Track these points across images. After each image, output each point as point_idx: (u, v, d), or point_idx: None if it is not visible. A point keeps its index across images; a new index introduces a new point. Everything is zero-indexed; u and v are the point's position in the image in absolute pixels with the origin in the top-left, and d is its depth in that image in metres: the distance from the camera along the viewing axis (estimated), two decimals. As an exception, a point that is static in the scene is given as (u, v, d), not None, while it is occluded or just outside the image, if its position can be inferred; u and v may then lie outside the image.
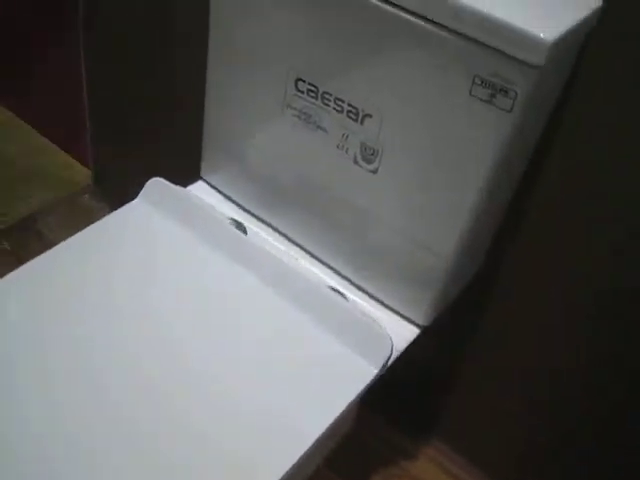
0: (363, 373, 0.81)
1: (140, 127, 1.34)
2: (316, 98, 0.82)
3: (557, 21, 0.68)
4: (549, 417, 1.05)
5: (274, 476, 0.69)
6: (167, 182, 0.94)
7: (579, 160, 0.84)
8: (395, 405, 1.27)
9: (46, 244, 1.41)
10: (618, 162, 0.81)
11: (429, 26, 0.69)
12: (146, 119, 1.31)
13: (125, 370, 0.76)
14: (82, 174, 1.58)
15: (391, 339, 0.82)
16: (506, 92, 0.68)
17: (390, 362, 0.83)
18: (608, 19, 0.74)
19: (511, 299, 1.00)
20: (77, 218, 1.51)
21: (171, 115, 1.23)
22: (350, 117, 0.80)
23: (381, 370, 0.82)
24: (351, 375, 0.81)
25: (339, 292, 0.91)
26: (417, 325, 0.91)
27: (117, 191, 1.18)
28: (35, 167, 1.61)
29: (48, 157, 1.64)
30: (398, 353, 0.87)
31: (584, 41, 0.76)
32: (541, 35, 0.64)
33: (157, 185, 0.95)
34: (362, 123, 0.80)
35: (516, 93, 0.68)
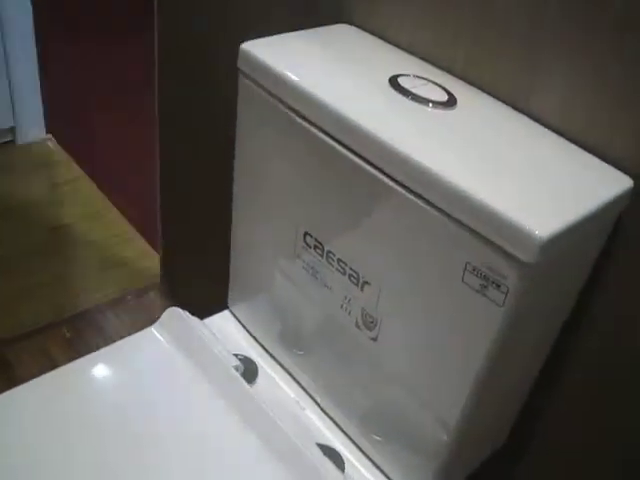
0: None
1: (207, 236, 1.35)
2: (322, 256, 0.79)
3: (565, 210, 0.62)
4: None
5: None
6: (184, 313, 0.93)
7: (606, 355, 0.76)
8: None
9: (105, 338, 1.46)
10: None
11: (424, 205, 0.65)
12: (212, 230, 1.32)
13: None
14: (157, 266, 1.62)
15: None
16: (498, 285, 0.62)
17: None
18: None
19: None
20: (140, 315, 1.53)
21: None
22: (352, 281, 0.76)
23: None
24: None
25: (336, 453, 0.86)
26: (417, 501, 0.83)
27: (182, 292, 1.17)
28: (114, 256, 1.67)
29: (130, 244, 1.70)
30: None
31: (615, 220, 0.69)
32: (533, 231, 0.58)
33: (174, 315, 0.93)
34: (362, 289, 0.76)
35: (508, 288, 0.61)
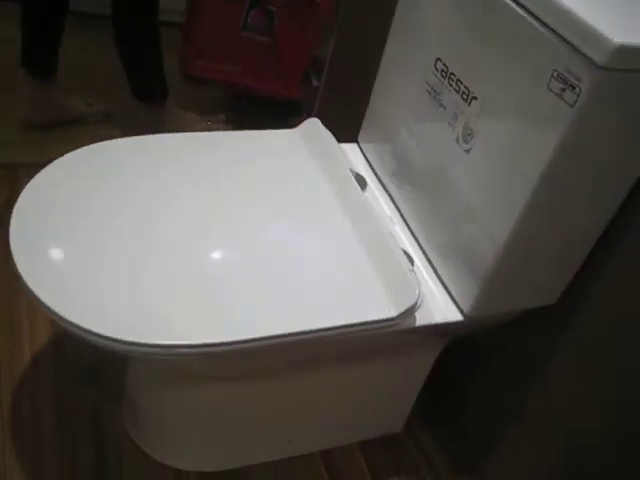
0: (380, 310, 0.90)
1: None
2: (445, 77, 0.95)
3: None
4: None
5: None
6: (321, 125, 1.11)
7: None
8: (454, 429, 1.29)
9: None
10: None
11: (526, 15, 0.79)
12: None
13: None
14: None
15: (419, 293, 0.90)
16: (573, 88, 0.76)
17: (415, 319, 0.92)
18: None
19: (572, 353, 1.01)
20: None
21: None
22: (463, 98, 0.92)
23: (399, 317, 0.89)
24: (370, 307, 0.90)
25: (409, 255, 1.01)
26: (461, 312, 0.97)
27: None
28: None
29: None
30: (432, 322, 0.95)
31: None
32: (609, 35, 0.71)
33: (313, 124, 1.12)
34: (470, 104, 0.91)
35: (580, 89, 0.75)
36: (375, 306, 0.90)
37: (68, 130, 1.82)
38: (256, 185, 1.03)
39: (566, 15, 0.75)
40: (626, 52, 0.72)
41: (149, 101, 1.74)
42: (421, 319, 0.94)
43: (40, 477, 1.10)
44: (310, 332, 0.85)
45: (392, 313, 0.89)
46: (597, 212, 0.91)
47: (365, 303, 0.90)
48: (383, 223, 0.98)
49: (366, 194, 1.10)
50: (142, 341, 0.78)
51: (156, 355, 0.80)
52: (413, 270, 0.94)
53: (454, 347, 1.16)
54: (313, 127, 1.13)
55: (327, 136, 1.11)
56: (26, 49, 1.65)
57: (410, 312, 0.90)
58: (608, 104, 0.76)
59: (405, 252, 1.00)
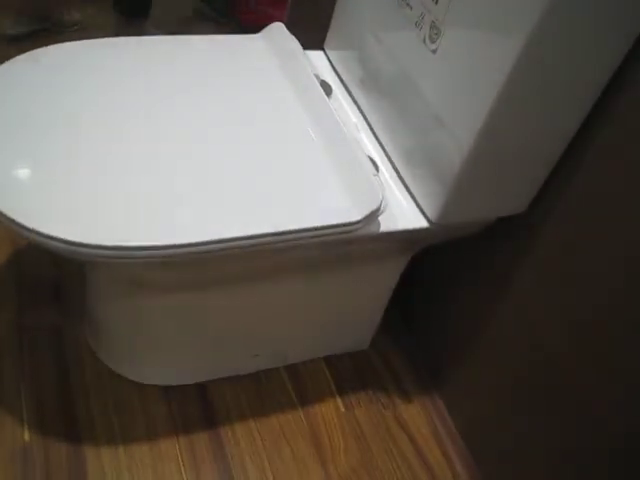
0: (343, 213, 0.88)
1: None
2: (412, -25, 0.91)
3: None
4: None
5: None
6: (285, 30, 1.07)
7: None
8: (421, 344, 1.29)
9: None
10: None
11: None
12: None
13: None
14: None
15: (382, 197, 0.88)
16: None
17: (379, 225, 0.91)
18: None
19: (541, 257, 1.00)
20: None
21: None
22: (431, -6, 0.88)
23: (363, 221, 0.87)
24: (333, 210, 0.88)
25: (374, 162, 0.98)
26: (427, 219, 0.95)
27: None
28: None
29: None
30: (395, 229, 0.93)
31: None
32: None
33: (277, 29, 1.08)
34: (437, 2, 0.87)
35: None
36: (338, 210, 0.88)
37: (37, 40, 1.73)
38: (219, 91, 0.99)
39: None
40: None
41: (129, 15, 1.70)
42: (385, 224, 0.92)
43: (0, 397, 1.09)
44: (269, 235, 0.83)
45: (355, 217, 0.87)
46: (566, 115, 0.88)
47: (328, 207, 0.88)
48: (348, 129, 0.96)
49: (331, 100, 1.06)
50: (94, 242, 0.76)
51: (107, 258, 0.78)
52: (377, 175, 0.92)
53: (421, 259, 1.15)
54: (277, 32, 1.09)
55: (292, 41, 1.07)
56: None
57: (373, 216, 0.88)
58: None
59: (370, 158, 0.98)
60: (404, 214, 0.95)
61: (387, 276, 1.14)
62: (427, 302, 1.29)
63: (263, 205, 0.85)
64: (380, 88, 1.02)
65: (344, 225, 0.87)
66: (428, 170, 0.93)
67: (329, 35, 1.14)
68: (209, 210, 0.83)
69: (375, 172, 0.92)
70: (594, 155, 0.90)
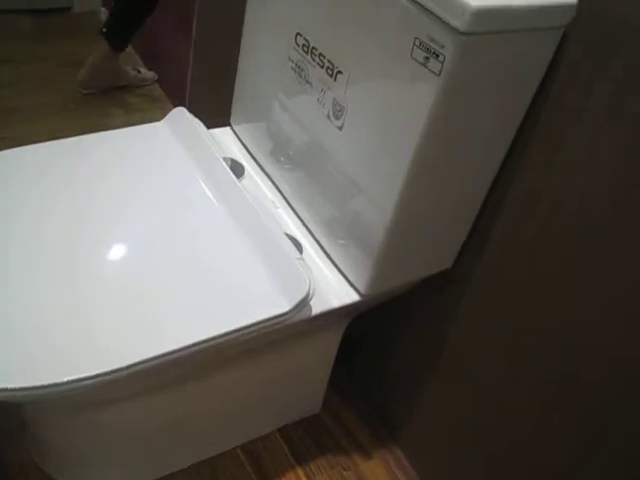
0: (272, 306, 0.85)
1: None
2: (307, 52, 0.90)
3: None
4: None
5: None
6: (188, 113, 1.05)
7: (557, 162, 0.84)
8: (369, 395, 1.28)
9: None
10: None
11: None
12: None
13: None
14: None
15: (310, 283, 0.86)
16: (437, 56, 0.72)
17: (311, 309, 0.89)
18: (583, 14, 0.76)
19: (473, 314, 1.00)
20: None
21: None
22: (328, 73, 0.87)
23: (293, 311, 0.85)
24: (264, 304, 0.86)
25: (297, 241, 0.97)
26: (358, 292, 0.94)
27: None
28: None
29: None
30: (329, 308, 0.91)
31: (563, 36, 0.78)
32: (468, 1, 0.67)
33: (180, 114, 1.06)
34: (335, 79, 0.86)
35: (444, 57, 0.71)
36: (267, 303, 0.86)
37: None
38: (128, 192, 0.96)
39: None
40: (484, 15, 0.69)
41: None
42: (317, 307, 0.90)
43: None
44: (201, 342, 0.80)
45: (284, 307, 0.86)
46: (479, 172, 0.89)
47: (257, 301, 0.86)
48: (265, 211, 0.94)
49: (244, 180, 1.05)
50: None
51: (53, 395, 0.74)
52: (302, 258, 0.90)
53: (357, 316, 1.13)
54: (180, 117, 1.06)
55: (196, 125, 1.04)
56: (113, 24, 1.84)
57: (303, 303, 0.86)
58: (473, 68, 0.74)
59: (292, 237, 0.96)
60: (334, 291, 0.94)
61: (327, 345, 1.13)
62: (368, 354, 1.28)
63: (191, 313, 0.83)
64: (291, 160, 1.01)
65: (275, 318, 0.85)
66: (352, 242, 0.92)
67: (233, 110, 1.12)
68: (136, 329, 0.80)
69: (299, 255, 0.90)
70: (506, 210, 0.91)
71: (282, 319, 0.86)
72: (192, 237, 0.92)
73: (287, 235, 0.95)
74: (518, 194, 0.89)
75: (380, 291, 0.94)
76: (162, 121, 1.07)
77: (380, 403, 1.28)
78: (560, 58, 0.80)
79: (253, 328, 0.84)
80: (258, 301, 0.86)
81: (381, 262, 0.90)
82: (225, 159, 1.01)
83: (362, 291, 0.93)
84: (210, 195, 0.97)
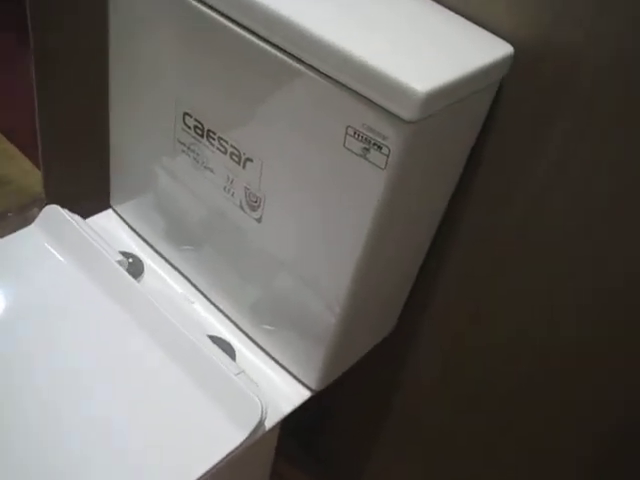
0: (229, 438, 0.74)
1: (86, 144, 1.28)
2: (202, 136, 0.76)
3: (446, 70, 0.60)
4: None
5: None
6: (63, 211, 0.88)
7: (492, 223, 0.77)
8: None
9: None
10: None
11: (303, 67, 0.62)
12: (90, 137, 1.25)
13: None
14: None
15: (262, 405, 0.74)
16: (379, 147, 0.61)
17: (265, 428, 0.77)
18: (518, 66, 0.68)
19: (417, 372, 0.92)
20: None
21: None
22: (233, 159, 0.74)
23: (250, 436, 0.74)
24: (216, 439, 0.74)
25: (227, 343, 0.84)
26: (308, 388, 0.83)
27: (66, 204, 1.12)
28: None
29: (12, 162, 1.63)
30: (281, 416, 0.80)
31: (499, 88, 0.69)
32: (414, 86, 0.56)
33: (53, 213, 0.88)
34: (244, 167, 0.73)
35: (389, 150, 0.60)
36: (220, 439, 0.74)
37: None
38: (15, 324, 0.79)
39: (348, 60, 0.59)
40: (434, 98, 0.58)
41: None
42: (270, 420, 0.79)
43: None
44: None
45: (238, 439, 0.74)
46: (425, 238, 0.80)
47: (209, 441, 0.74)
48: (179, 312, 0.81)
49: (146, 277, 0.90)
50: None
51: None
52: (242, 371, 0.78)
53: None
54: (54, 217, 0.89)
55: (74, 224, 0.88)
56: None
57: (258, 426, 0.75)
58: (422, 151, 0.64)
59: (219, 340, 0.84)
60: (283, 394, 0.83)
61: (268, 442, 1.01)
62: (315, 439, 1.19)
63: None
64: (201, 247, 0.87)
65: (230, 453, 0.73)
66: (292, 332, 0.81)
67: (113, 190, 0.96)
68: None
69: (236, 368, 0.78)
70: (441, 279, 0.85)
71: (238, 449, 0.74)
72: (108, 377, 0.77)
73: (213, 339, 0.82)
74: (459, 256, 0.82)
75: (332, 380, 0.84)
76: (33, 225, 0.89)
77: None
78: (495, 111, 0.72)
79: (207, 473, 0.72)
80: (210, 440, 0.74)
81: (332, 352, 0.79)
82: (120, 261, 0.85)
83: (313, 387, 0.83)
84: (111, 310, 0.82)
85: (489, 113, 0.71)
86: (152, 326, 0.80)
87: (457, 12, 0.70)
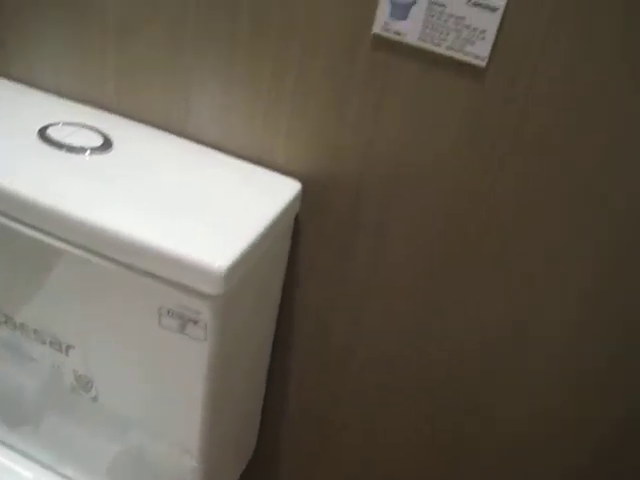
0: None
1: None
2: (15, 329, 0.73)
3: (242, 233, 0.62)
4: None
5: None
6: None
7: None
8: None
9: None
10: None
11: (104, 261, 0.62)
12: None
13: None
14: None
15: None
16: (195, 322, 0.62)
17: None
18: (306, 200, 0.71)
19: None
20: None
21: None
22: (54, 348, 0.72)
23: None
24: None
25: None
26: None
27: None
28: None
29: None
30: None
31: (293, 224, 0.73)
32: (213, 265, 0.58)
33: None
34: (67, 354, 0.72)
35: (205, 322, 0.61)
36: None
37: None
38: None
39: (148, 252, 0.60)
40: (234, 269, 0.60)
41: None
42: None
43: None
44: None
45: None
46: (257, 376, 0.82)
47: None
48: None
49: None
50: None
51: None
52: None
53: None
54: None
55: None
56: None
57: None
58: (236, 311, 0.66)
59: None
60: None
61: None
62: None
63: None
64: (38, 428, 0.84)
65: None
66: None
67: None
68: None
69: None
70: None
71: None
72: None
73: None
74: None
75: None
76: None
77: None
78: (297, 240, 0.75)
79: None
80: None
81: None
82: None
83: None
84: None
85: (292, 245, 0.74)
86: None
87: (241, 157, 0.73)
